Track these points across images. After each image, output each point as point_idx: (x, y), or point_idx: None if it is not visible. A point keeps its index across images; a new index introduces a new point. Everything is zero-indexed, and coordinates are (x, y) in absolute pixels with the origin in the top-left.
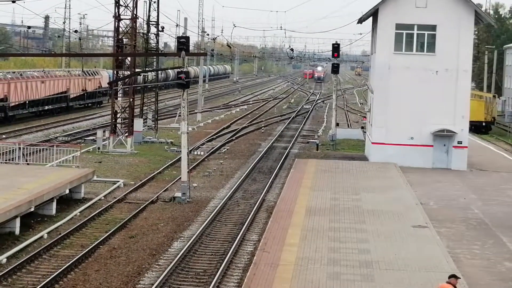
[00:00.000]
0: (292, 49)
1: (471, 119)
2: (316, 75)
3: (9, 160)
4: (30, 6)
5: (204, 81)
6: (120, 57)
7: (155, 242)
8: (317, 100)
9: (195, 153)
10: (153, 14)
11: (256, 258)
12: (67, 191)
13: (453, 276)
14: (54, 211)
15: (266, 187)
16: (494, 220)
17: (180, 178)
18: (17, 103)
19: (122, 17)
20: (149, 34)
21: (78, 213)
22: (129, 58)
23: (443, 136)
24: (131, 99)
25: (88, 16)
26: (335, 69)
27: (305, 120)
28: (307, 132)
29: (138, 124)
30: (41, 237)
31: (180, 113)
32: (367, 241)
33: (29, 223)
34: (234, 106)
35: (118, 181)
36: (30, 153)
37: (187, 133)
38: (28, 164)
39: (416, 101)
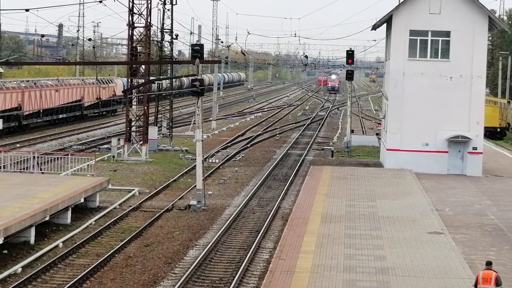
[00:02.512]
0: (306, 56)
1: (486, 125)
2: (330, 85)
3: (24, 169)
4: (43, 14)
5: (218, 88)
6: (134, 65)
7: (170, 250)
8: (332, 107)
9: (210, 160)
10: (167, 22)
11: (272, 265)
12: (82, 200)
13: (489, 262)
14: (69, 220)
15: (282, 195)
16: (509, 226)
17: (195, 186)
18: (31, 112)
19: (136, 25)
20: (163, 42)
21: (93, 222)
22: (143, 66)
23: (458, 142)
24: (145, 107)
25: (102, 24)
26: (350, 75)
27: (320, 127)
28: (322, 139)
29: (152, 132)
30: (56, 246)
31: (194, 120)
32: (382, 248)
33: (44, 232)
34: (249, 114)
35: (133, 190)
36: (44, 162)
37: (202, 140)
38: (42, 173)
39: (430, 107)
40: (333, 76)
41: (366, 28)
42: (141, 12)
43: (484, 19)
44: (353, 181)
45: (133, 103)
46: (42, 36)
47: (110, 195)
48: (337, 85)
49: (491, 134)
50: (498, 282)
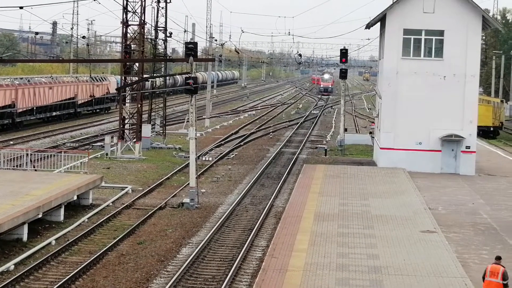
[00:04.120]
0: (300, 55)
1: (479, 124)
2: (322, 85)
3: (17, 166)
4: (37, 12)
5: (212, 86)
6: (128, 63)
7: (163, 248)
8: (325, 106)
9: (204, 158)
10: (161, 20)
11: (265, 264)
12: (75, 197)
13: (499, 257)
14: (62, 218)
15: (275, 193)
16: (502, 225)
17: (188, 184)
18: (24, 109)
19: (130, 23)
20: (157, 40)
21: (86, 219)
22: (137, 64)
23: (451, 141)
24: (139, 105)
25: (96, 22)
26: (344, 74)
27: (313, 126)
28: (315, 137)
29: (146, 130)
30: (49, 243)
31: (188, 118)
32: (375, 247)
33: (37, 230)
34: (242, 112)
35: (126, 187)
36: (38, 159)
37: (195, 138)
38: (36, 170)
39: (424, 106)
40: (326, 76)
41: (360, 27)
42: (135, 10)
43: (477, 18)
44: (346, 180)
45: (126, 101)
46: (36, 33)
47: (103, 192)
48: (330, 86)
49: (484, 133)
50: (504, 277)
